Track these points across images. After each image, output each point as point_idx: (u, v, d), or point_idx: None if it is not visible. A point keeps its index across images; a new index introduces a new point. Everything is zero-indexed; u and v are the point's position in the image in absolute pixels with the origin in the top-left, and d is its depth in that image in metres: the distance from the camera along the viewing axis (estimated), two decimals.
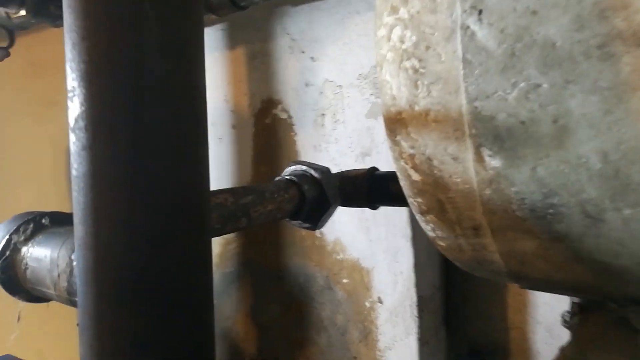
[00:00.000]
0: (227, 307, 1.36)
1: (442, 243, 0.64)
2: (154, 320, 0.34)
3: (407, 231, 1.08)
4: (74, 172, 0.34)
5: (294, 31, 1.20)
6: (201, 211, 0.38)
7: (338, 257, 1.17)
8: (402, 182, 0.62)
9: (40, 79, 1.87)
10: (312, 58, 1.18)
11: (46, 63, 1.85)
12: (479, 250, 0.60)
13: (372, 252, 1.12)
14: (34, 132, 1.88)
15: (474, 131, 0.50)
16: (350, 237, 1.15)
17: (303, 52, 1.19)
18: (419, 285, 1.08)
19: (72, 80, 0.33)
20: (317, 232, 1.20)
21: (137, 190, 0.33)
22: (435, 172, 0.55)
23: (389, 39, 0.55)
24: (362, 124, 1.12)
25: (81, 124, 0.32)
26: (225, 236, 1.36)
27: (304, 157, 1.21)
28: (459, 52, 0.49)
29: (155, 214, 0.33)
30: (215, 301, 1.39)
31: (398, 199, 0.80)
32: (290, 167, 0.87)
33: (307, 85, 1.19)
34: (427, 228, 0.64)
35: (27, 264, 0.54)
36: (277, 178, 0.85)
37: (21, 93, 1.91)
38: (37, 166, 1.84)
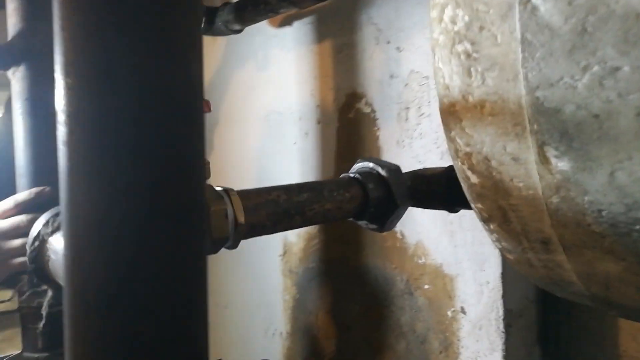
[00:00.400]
0: (309, 302, 1.35)
1: (509, 256, 0.56)
2: (126, 338, 0.32)
3: None
4: (59, 168, 0.33)
5: (379, 20, 1.14)
6: (189, 219, 0.34)
7: (420, 261, 1.09)
8: (462, 185, 0.55)
9: None
10: (397, 48, 1.11)
11: None
12: (553, 269, 0.51)
13: (457, 259, 1.03)
14: None
15: (535, 127, 0.41)
16: (433, 241, 1.07)
17: (389, 42, 1.13)
18: (507, 297, 0.97)
19: (56, 73, 0.32)
20: (398, 234, 1.13)
21: (110, 192, 0.31)
22: (494, 174, 0.47)
23: (440, 20, 0.48)
24: None
25: (62, 117, 0.31)
26: (308, 230, 1.35)
27: (386, 153, 1.15)
28: (517, 32, 0.41)
29: (131, 220, 0.31)
30: (298, 295, 1.39)
31: None
32: (357, 164, 0.82)
33: (391, 77, 1.13)
34: (492, 238, 0.56)
35: (49, 255, 0.56)
36: (341, 175, 0.80)
37: None
38: None
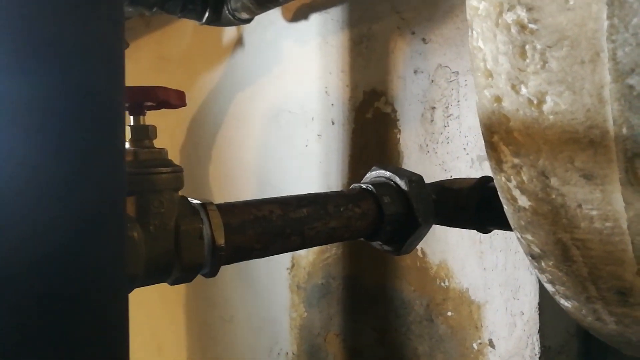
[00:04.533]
0: (317, 322, 1.23)
1: (566, 303, 0.42)
2: None
3: None
4: None
5: (404, 9, 1.01)
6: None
7: (442, 284, 0.95)
8: (505, 207, 0.41)
9: (166, 72, 1.91)
10: (423, 40, 0.98)
11: (172, 57, 1.88)
12: (629, 326, 0.37)
13: (486, 284, 0.89)
14: (157, 123, 1.93)
15: (625, 130, 0.28)
16: (458, 262, 0.94)
17: (413, 32, 1.00)
18: (544, 331, 0.83)
19: None
20: (419, 252, 1.00)
21: None
22: (553, 196, 0.34)
23: None
24: None
25: None
26: None
27: (407, 159, 1.01)
28: None
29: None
30: (306, 314, 1.26)
31: None
32: (372, 173, 0.69)
33: (416, 72, 0.99)
34: (543, 278, 0.42)
35: None
36: (351, 186, 0.68)
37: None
38: None
